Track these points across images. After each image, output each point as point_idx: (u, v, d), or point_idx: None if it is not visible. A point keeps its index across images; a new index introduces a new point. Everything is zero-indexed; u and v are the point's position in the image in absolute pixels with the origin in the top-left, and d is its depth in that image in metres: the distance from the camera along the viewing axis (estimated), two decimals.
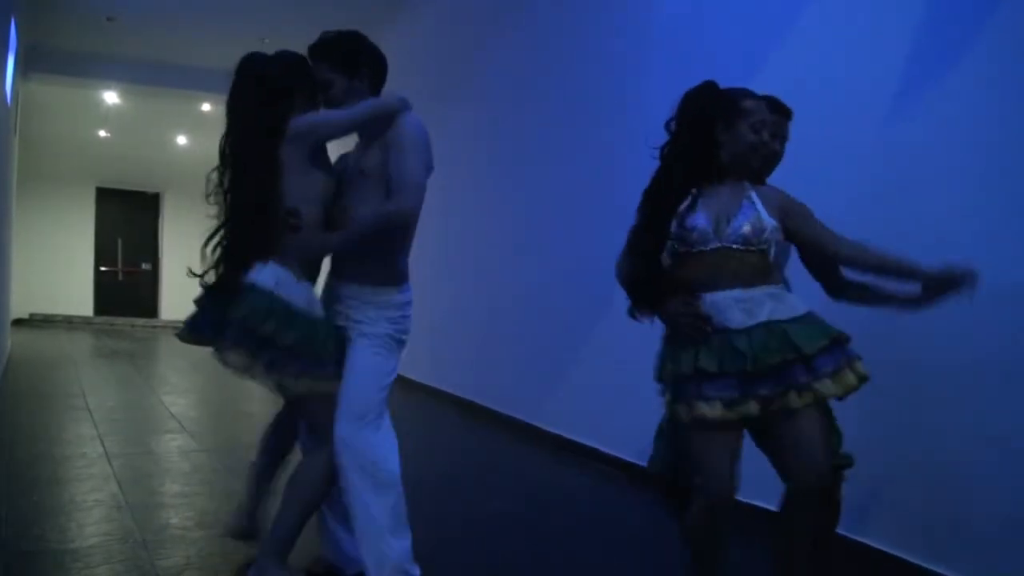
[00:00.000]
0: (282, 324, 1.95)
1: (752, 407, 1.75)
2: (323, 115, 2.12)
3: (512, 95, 5.05)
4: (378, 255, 2.13)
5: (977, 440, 2.20)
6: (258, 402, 6.02)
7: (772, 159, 1.99)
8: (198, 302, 2.13)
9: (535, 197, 4.69)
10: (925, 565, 2.29)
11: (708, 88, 1.89)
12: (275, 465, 2.37)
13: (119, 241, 12.43)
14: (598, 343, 3.99)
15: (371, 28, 2.28)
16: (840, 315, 2.44)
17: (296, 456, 2.33)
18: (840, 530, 2.29)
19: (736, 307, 1.80)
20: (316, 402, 2.09)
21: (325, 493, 2.16)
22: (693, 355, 1.79)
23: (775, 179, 2.03)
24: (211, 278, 2.09)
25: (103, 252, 12.30)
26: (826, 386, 1.74)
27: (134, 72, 8.48)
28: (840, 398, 1.79)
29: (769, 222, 1.83)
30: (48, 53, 8.05)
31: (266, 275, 1.98)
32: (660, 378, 1.90)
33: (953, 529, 2.24)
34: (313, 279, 2.16)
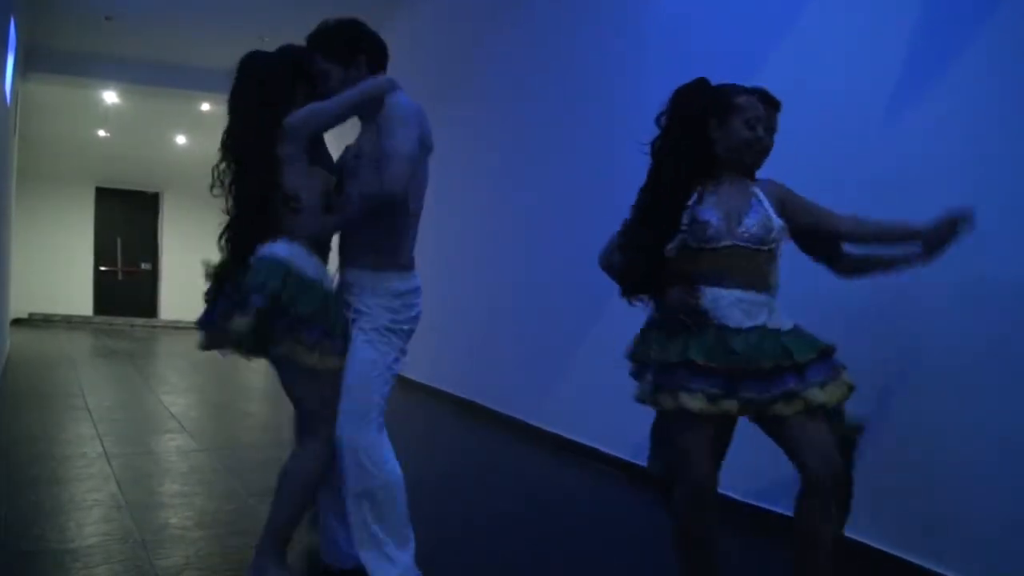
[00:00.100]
0: (299, 291, 1.99)
1: (732, 405, 1.78)
2: (312, 107, 2.12)
3: (511, 94, 5.05)
4: (377, 238, 2.11)
5: (977, 440, 2.20)
6: (258, 402, 6.03)
7: (764, 153, 2.01)
8: (207, 295, 2.15)
9: (534, 196, 4.69)
10: (925, 565, 2.29)
11: (701, 85, 1.89)
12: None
13: (118, 241, 12.43)
14: (598, 343, 3.98)
15: (369, 25, 2.27)
16: (840, 316, 2.44)
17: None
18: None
19: (737, 306, 1.82)
20: (315, 384, 2.09)
21: (318, 485, 2.15)
22: (683, 345, 1.79)
23: (768, 172, 2.03)
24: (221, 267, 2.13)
25: (103, 252, 12.30)
26: (815, 394, 1.76)
27: (133, 72, 8.48)
28: (828, 408, 1.80)
29: (777, 222, 1.86)
30: (47, 53, 8.05)
31: (279, 247, 2.03)
32: (637, 358, 1.91)
33: (953, 529, 2.24)
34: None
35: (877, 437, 2.40)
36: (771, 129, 1.97)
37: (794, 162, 2.16)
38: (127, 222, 12.49)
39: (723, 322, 1.81)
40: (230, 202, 2.13)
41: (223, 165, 2.13)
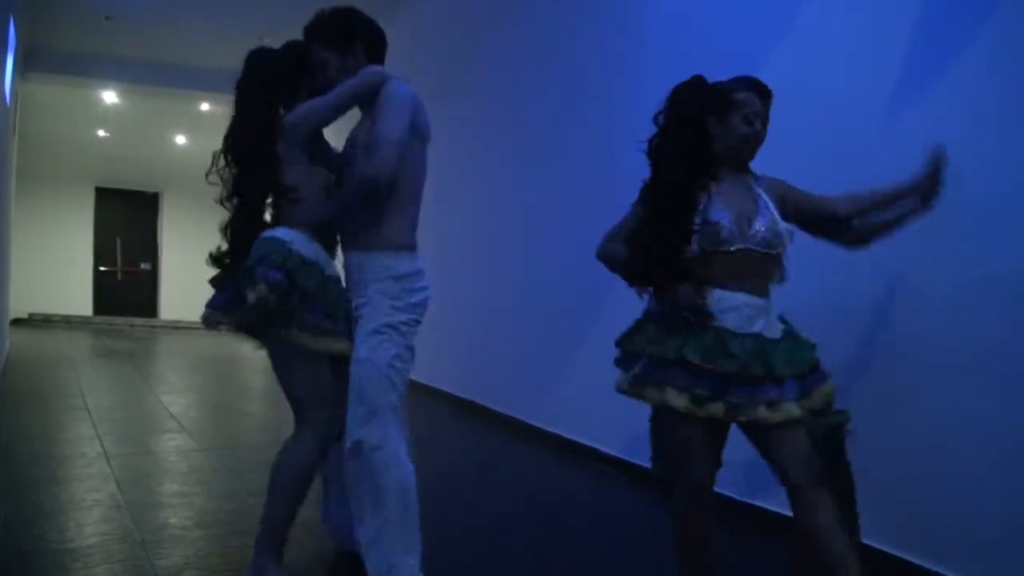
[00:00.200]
0: (299, 267, 2.01)
1: (718, 409, 1.78)
2: (310, 104, 2.12)
3: (511, 94, 5.05)
4: (370, 220, 2.08)
5: (977, 440, 2.20)
6: (258, 402, 6.02)
7: (759, 145, 2.01)
8: (215, 281, 2.18)
9: (534, 196, 4.69)
10: (925, 565, 2.29)
11: (698, 83, 1.89)
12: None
13: (118, 241, 12.43)
14: (598, 343, 3.98)
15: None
16: (841, 316, 2.44)
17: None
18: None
19: (741, 311, 1.83)
20: (308, 370, 2.10)
21: (311, 477, 2.14)
22: (680, 342, 1.80)
23: (768, 172, 2.03)
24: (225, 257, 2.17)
25: (102, 252, 12.30)
26: (790, 408, 1.79)
27: (133, 72, 8.48)
28: (801, 419, 1.82)
29: (783, 225, 1.88)
30: (47, 53, 8.05)
31: (280, 231, 2.07)
32: (629, 348, 1.91)
33: (953, 529, 2.24)
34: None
35: (877, 437, 2.40)
36: (765, 120, 1.98)
37: (794, 162, 2.17)
38: (127, 222, 12.49)
39: (723, 324, 1.81)
40: (235, 200, 2.16)
41: (225, 161, 2.16)
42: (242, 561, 2.34)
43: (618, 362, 1.97)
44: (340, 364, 2.15)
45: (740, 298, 1.83)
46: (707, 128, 1.88)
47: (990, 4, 2.24)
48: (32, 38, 7.67)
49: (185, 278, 11.96)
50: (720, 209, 1.85)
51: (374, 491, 2.03)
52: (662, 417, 1.88)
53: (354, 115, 2.20)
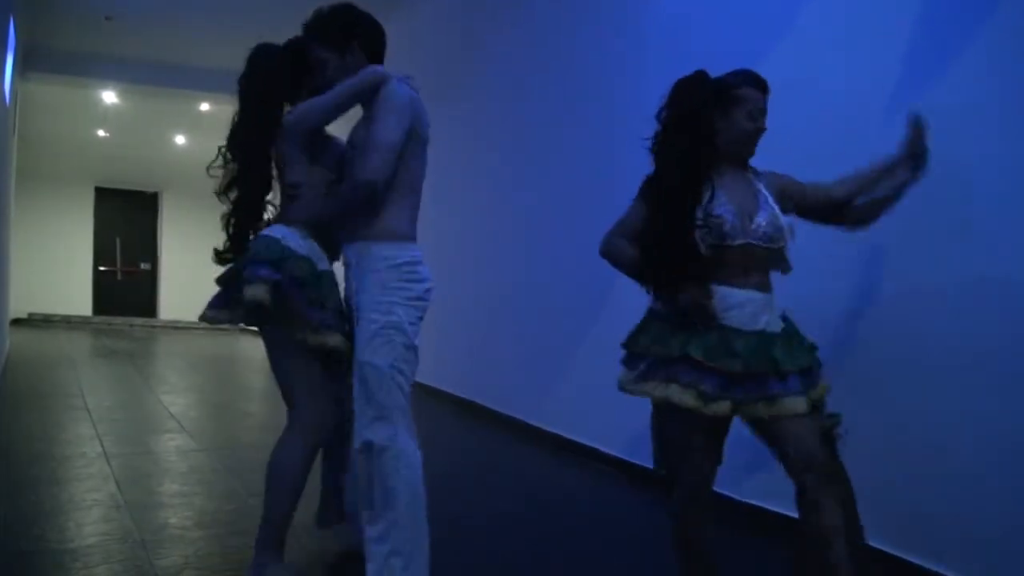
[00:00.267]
0: (289, 261, 2.05)
1: (724, 408, 1.79)
2: (309, 104, 2.13)
3: (511, 94, 5.04)
4: (367, 213, 2.06)
5: (978, 440, 2.20)
6: (257, 401, 6.02)
7: (758, 140, 2.02)
8: (221, 280, 2.21)
9: (534, 196, 4.69)
10: (925, 565, 2.29)
11: (701, 77, 1.89)
12: (339, 456, 2.41)
13: (118, 241, 12.43)
14: (598, 343, 3.98)
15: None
16: (841, 316, 2.44)
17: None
18: None
19: (745, 307, 1.83)
20: (297, 364, 2.12)
21: (305, 473, 2.14)
22: (684, 340, 1.80)
23: (764, 166, 2.04)
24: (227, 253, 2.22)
25: (102, 252, 12.30)
26: (796, 403, 1.79)
27: (133, 72, 8.48)
28: (801, 415, 1.82)
29: (784, 219, 1.89)
30: (47, 53, 8.05)
31: (274, 229, 2.12)
32: (635, 349, 1.91)
33: (953, 529, 2.24)
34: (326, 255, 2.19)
35: (877, 437, 2.41)
36: (763, 113, 1.98)
37: (793, 162, 2.16)
38: (126, 222, 12.49)
39: (728, 323, 1.81)
40: (234, 196, 2.18)
41: (224, 160, 2.18)
42: (242, 561, 2.34)
43: (624, 362, 1.96)
44: (332, 359, 2.16)
45: (744, 295, 1.84)
46: (711, 123, 1.87)
47: (990, 4, 2.24)
48: (32, 38, 7.66)
49: (185, 278, 11.98)
50: (723, 204, 1.85)
51: (383, 492, 2.02)
52: (664, 415, 1.88)
53: (357, 111, 2.20)
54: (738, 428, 1.94)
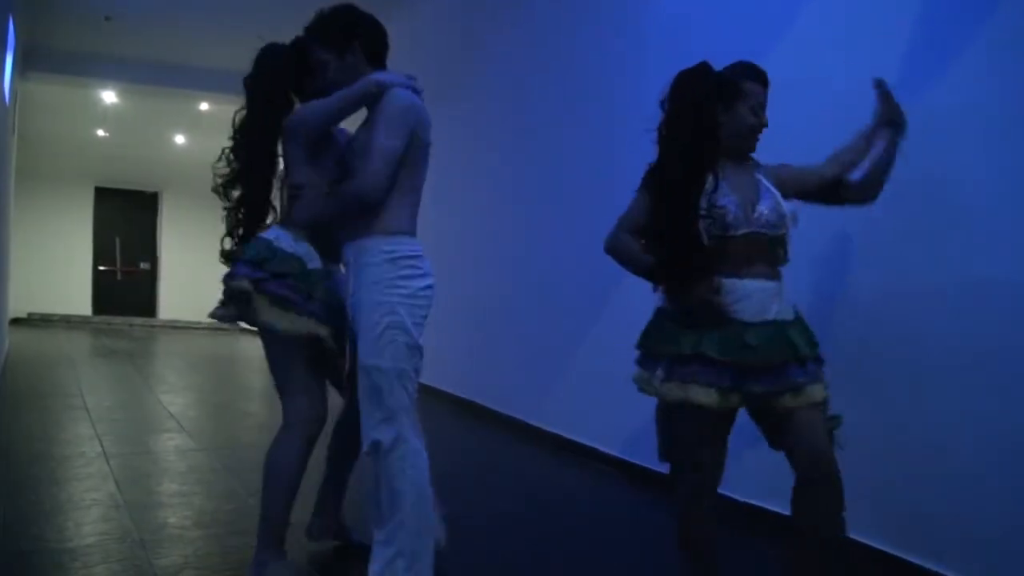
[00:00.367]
0: (274, 256, 2.09)
1: (735, 400, 1.79)
2: (310, 107, 2.13)
3: (511, 94, 5.04)
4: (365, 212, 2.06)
5: (977, 440, 2.20)
6: (257, 401, 6.02)
7: (759, 134, 2.02)
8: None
9: (534, 196, 4.69)
10: (925, 565, 2.29)
11: (704, 70, 1.89)
12: (342, 467, 2.44)
13: (117, 240, 12.43)
14: (598, 343, 3.98)
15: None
16: (841, 316, 2.44)
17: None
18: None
19: (755, 298, 1.83)
20: (282, 356, 2.15)
21: (299, 469, 2.15)
22: (696, 338, 1.79)
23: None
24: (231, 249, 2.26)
25: (101, 251, 12.30)
26: (816, 391, 1.81)
27: (132, 71, 8.48)
28: (820, 403, 1.83)
29: (786, 206, 1.89)
30: (47, 52, 8.04)
31: (269, 232, 2.17)
32: (649, 351, 1.90)
33: (953, 529, 2.23)
34: (321, 253, 2.19)
35: (878, 437, 2.41)
36: (764, 108, 1.98)
37: (794, 161, 2.16)
38: (126, 222, 12.49)
39: (739, 316, 1.81)
40: (235, 193, 2.21)
41: (228, 160, 2.21)
42: (241, 561, 2.34)
43: (639, 362, 1.95)
44: (327, 356, 2.17)
45: (753, 285, 1.83)
46: (714, 115, 1.87)
47: (990, 4, 2.24)
48: (32, 38, 7.66)
49: (184, 278, 11.99)
50: (726, 194, 1.86)
51: (389, 493, 2.01)
52: (675, 412, 1.86)
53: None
54: (738, 427, 1.94)
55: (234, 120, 2.23)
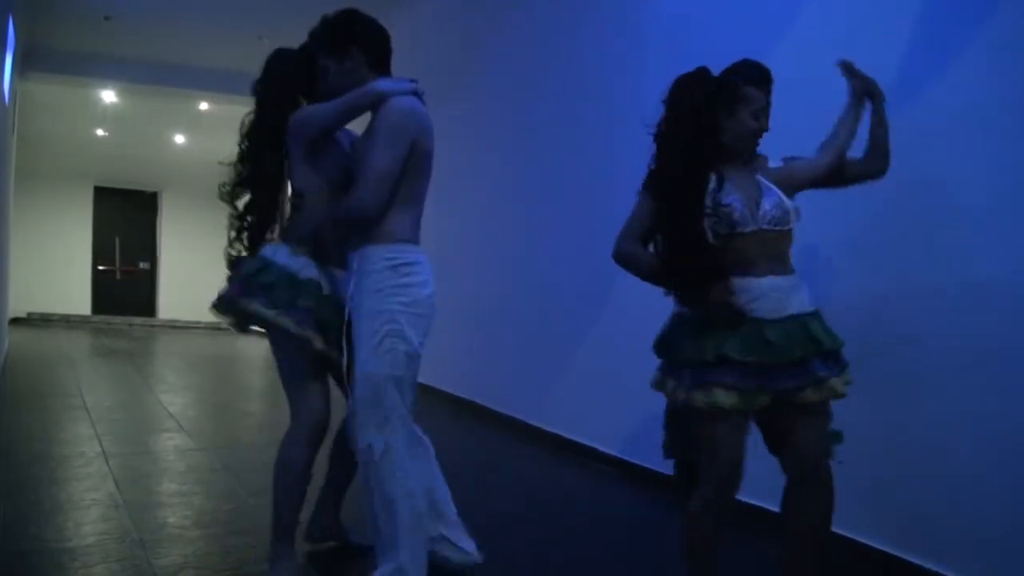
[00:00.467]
0: (263, 270, 2.14)
1: (764, 400, 1.78)
2: (312, 110, 2.13)
3: (511, 94, 5.04)
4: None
5: (977, 440, 2.20)
6: (256, 401, 6.02)
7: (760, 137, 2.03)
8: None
9: (534, 196, 4.69)
10: (925, 565, 2.29)
11: (704, 74, 1.89)
12: (344, 468, 2.45)
13: (117, 240, 12.42)
14: (598, 343, 3.98)
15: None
16: (841, 316, 2.44)
17: None
18: (840, 530, 2.29)
19: (771, 295, 1.83)
20: (279, 354, 2.19)
21: (307, 467, 2.19)
22: (717, 341, 1.79)
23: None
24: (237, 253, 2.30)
25: (101, 251, 12.29)
26: (839, 384, 1.82)
27: (132, 71, 8.47)
28: (842, 396, 1.84)
29: (790, 203, 1.89)
30: (46, 52, 8.04)
31: (266, 249, 2.20)
32: (668, 357, 1.91)
33: (953, 529, 2.23)
34: (323, 261, 2.20)
35: (878, 437, 2.41)
36: (768, 105, 1.98)
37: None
38: (125, 221, 12.48)
39: (756, 314, 1.80)
40: (243, 199, 2.24)
41: (237, 165, 2.25)
42: (241, 560, 2.34)
43: (660, 368, 1.95)
44: (330, 362, 2.20)
45: (768, 283, 1.83)
46: (714, 121, 1.87)
47: (990, 4, 2.24)
48: (31, 37, 7.66)
49: (184, 277, 11.99)
50: (730, 193, 1.86)
51: (382, 499, 2.03)
52: (705, 419, 1.83)
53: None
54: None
55: (243, 124, 2.24)
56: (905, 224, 2.46)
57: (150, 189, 12.61)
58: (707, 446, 1.86)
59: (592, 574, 2.51)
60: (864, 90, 2.02)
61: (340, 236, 2.14)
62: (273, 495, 2.19)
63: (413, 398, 2.10)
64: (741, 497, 2.86)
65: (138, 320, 12.19)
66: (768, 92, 1.94)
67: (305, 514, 2.34)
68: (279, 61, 2.24)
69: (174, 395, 5.82)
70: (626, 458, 3.66)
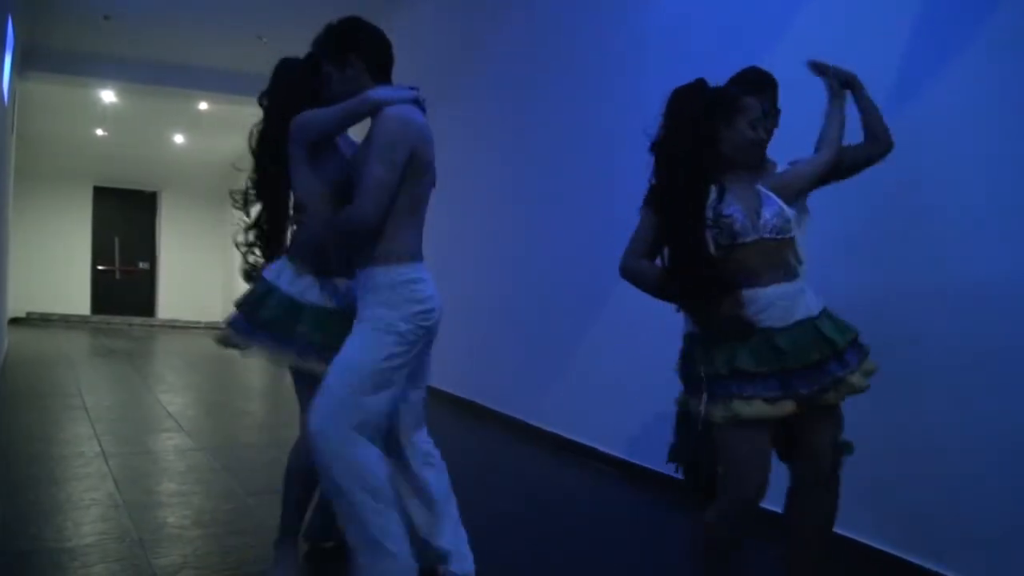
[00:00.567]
0: (264, 300, 2.16)
1: (790, 406, 1.78)
2: (310, 114, 2.13)
3: (511, 93, 5.04)
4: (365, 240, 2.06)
5: (977, 440, 2.20)
6: (256, 401, 6.02)
7: (763, 148, 2.03)
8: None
9: (534, 196, 4.69)
10: (925, 565, 2.29)
11: (700, 87, 1.89)
12: None
13: (116, 240, 12.42)
14: (598, 343, 3.98)
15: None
16: (841, 314, 2.44)
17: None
18: (840, 530, 2.29)
19: (778, 304, 1.82)
20: (303, 380, 2.20)
21: (304, 475, 2.19)
22: (729, 354, 1.79)
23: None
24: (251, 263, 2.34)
25: (100, 251, 12.30)
26: (857, 379, 1.82)
27: (131, 71, 8.47)
28: (863, 391, 1.84)
29: (789, 211, 1.89)
30: (45, 52, 8.04)
31: (271, 270, 2.22)
32: (687, 375, 1.90)
33: (953, 529, 2.23)
34: (326, 271, 2.20)
35: (877, 437, 2.40)
36: (774, 110, 1.98)
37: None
38: (125, 221, 12.49)
39: (765, 324, 1.80)
40: (257, 206, 2.27)
41: (252, 173, 2.29)
42: (240, 560, 2.34)
43: (688, 393, 1.94)
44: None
45: (773, 292, 1.83)
46: (712, 132, 1.87)
47: (990, 4, 2.24)
48: (31, 37, 7.66)
49: (183, 277, 11.99)
50: (731, 203, 1.86)
51: (328, 482, 1.99)
52: (729, 432, 1.82)
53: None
54: None
55: (251, 135, 2.26)
56: (905, 224, 2.46)
57: (149, 189, 12.61)
58: (727, 463, 1.85)
59: (592, 574, 2.51)
60: (840, 82, 2.06)
61: (342, 244, 2.14)
62: (284, 491, 2.26)
63: (394, 409, 2.09)
64: None
65: (137, 320, 12.19)
66: (771, 98, 1.94)
67: (304, 515, 2.34)
68: (285, 70, 2.26)
69: (173, 395, 5.82)
70: (626, 458, 3.66)
